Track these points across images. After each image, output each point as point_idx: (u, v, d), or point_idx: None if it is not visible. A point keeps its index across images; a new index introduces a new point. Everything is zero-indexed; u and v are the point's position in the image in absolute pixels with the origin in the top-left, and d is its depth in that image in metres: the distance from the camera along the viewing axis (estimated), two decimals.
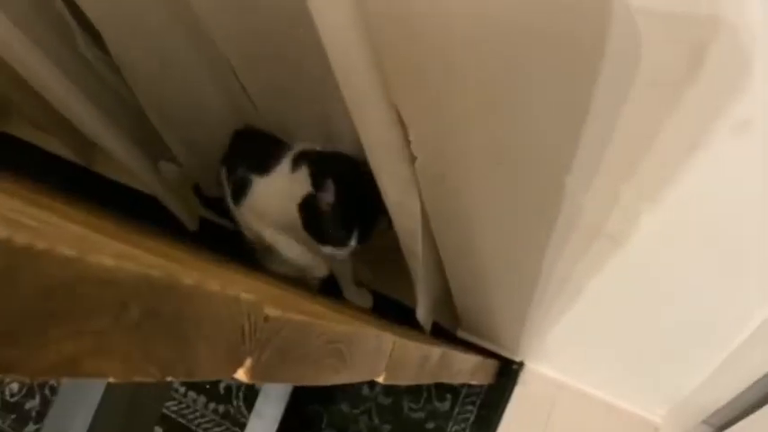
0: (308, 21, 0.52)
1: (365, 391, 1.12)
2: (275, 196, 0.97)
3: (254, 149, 1.03)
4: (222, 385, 1.19)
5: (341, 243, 0.93)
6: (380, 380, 0.52)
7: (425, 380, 0.66)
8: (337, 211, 0.91)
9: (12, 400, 1.27)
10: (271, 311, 0.32)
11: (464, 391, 1.09)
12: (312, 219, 0.93)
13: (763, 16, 0.34)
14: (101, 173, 1.42)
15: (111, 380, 0.22)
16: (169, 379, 0.25)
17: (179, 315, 0.25)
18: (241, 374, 0.30)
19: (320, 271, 1.04)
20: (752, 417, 0.72)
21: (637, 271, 0.64)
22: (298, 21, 0.63)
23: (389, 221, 0.80)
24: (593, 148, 0.49)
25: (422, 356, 0.61)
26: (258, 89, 1.04)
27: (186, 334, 0.25)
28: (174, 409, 1.19)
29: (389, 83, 0.54)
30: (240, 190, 1.00)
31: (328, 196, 0.89)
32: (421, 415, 1.08)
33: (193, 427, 1.18)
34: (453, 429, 1.07)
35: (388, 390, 1.10)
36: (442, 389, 1.09)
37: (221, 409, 1.17)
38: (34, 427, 1.23)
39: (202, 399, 1.19)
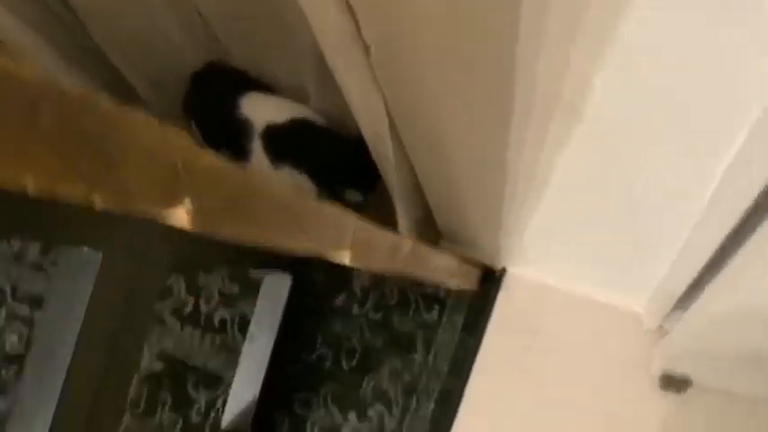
0: None
1: (355, 310, 1.15)
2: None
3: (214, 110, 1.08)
4: (217, 319, 1.22)
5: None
6: (347, 260, 0.53)
7: (401, 269, 0.67)
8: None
9: None
10: (207, 161, 0.33)
11: (450, 301, 1.12)
12: None
13: None
14: None
15: (32, 187, 0.22)
16: (98, 200, 0.25)
17: (103, 137, 0.25)
18: (182, 216, 0.31)
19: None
20: (708, 288, 0.73)
21: (600, 142, 0.65)
22: None
23: None
24: (535, 10, 0.49)
25: (392, 244, 0.63)
26: (220, 19, 1.03)
27: (111, 155, 0.26)
28: (171, 345, 1.23)
29: None
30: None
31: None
32: (411, 326, 1.11)
33: (190, 363, 1.22)
34: (442, 338, 1.10)
35: (378, 305, 1.13)
36: (429, 299, 1.11)
37: (218, 339, 1.21)
38: None
39: (198, 332, 1.22)
